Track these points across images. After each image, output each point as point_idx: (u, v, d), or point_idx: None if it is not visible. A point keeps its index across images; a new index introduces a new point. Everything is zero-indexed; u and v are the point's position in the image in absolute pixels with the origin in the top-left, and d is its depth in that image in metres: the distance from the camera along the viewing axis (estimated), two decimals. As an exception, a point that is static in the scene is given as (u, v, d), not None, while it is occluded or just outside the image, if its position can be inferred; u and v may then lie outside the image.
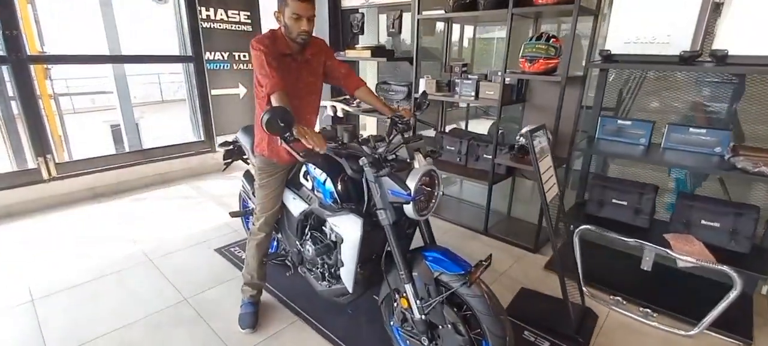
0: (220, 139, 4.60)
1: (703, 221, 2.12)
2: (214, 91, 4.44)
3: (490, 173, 3.02)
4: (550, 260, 2.68)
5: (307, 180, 1.83)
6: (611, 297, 2.26)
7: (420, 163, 1.50)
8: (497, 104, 2.87)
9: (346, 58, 3.71)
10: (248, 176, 2.32)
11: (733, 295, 1.82)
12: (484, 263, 1.40)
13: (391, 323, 1.73)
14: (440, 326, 1.50)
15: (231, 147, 2.49)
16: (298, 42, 1.77)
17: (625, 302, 2.22)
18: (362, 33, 3.83)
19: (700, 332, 1.95)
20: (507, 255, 2.80)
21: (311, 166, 1.78)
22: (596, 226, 2.22)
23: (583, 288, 2.21)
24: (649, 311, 2.13)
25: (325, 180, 1.68)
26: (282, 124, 1.33)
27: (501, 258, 2.73)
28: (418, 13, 3.16)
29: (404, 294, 1.55)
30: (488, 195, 3.08)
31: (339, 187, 1.64)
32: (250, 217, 2.39)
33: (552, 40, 2.62)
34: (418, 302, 1.50)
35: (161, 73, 13.83)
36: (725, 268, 1.82)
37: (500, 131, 3.01)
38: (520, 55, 2.71)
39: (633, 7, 2.12)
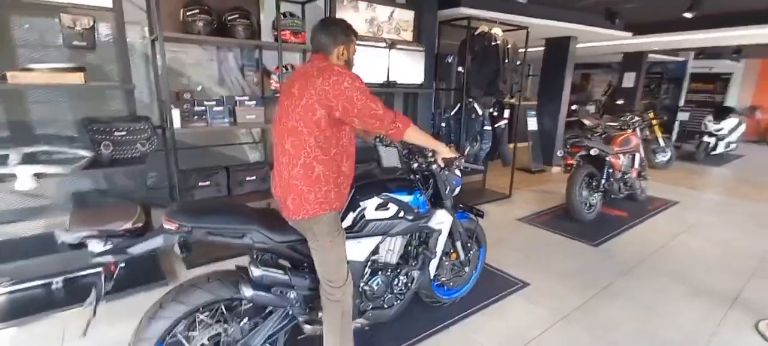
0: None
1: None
2: None
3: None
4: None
5: (387, 208, 1.80)
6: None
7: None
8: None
9: (8, 84, 2.01)
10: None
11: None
12: (470, 205, 2.48)
13: (435, 284, 2.30)
14: (469, 254, 2.41)
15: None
16: None
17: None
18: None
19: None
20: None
21: (396, 192, 1.82)
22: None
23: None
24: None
25: (418, 194, 1.90)
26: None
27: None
28: (158, 32, 2.51)
29: (454, 250, 2.28)
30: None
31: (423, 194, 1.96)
32: None
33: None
34: (463, 248, 2.32)
35: None
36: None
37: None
38: (281, 81, 3.19)
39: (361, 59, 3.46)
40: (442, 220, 2.06)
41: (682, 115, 9.73)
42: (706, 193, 5.50)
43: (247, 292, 1.49)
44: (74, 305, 2.33)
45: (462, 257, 2.33)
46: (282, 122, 1.56)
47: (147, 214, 2.74)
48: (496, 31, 4.20)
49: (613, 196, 4.35)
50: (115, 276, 1.38)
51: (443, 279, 2.33)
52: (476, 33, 4.15)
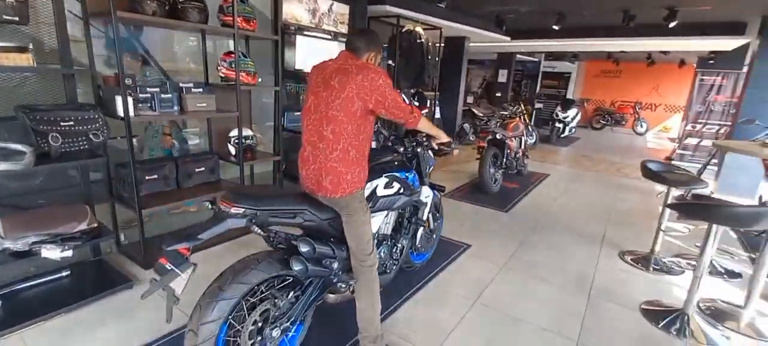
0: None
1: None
2: None
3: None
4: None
5: (392, 186, 2.08)
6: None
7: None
8: (230, 113, 3.11)
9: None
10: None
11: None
12: (439, 185, 2.90)
13: (412, 251, 2.67)
14: (437, 222, 2.85)
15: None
16: None
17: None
18: None
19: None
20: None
21: (398, 172, 2.11)
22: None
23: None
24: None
25: (412, 173, 2.23)
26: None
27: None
28: (113, 11, 2.26)
29: (426, 220, 2.68)
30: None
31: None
32: None
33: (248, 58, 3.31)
34: (433, 218, 2.74)
35: None
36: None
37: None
38: (239, 69, 3.13)
39: (305, 46, 3.56)
40: (427, 194, 2.44)
41: (538, 105, 11.97)
42: (565, 166, 7.07)
43: (299, 266, 1.63)
44: (29, 322, 2.02)
45: (432, 225, 2.75)
46: (320, 111, 1.72)
47: (93, 213, 2.49)
48: (419, 29, 4.71)
49: (509, 172, 5.35)
50: (189, 258, 1.37)
51: (418, 246, 2.72)
52: (403, 30, 4.58)
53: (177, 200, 2.89)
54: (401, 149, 2.36)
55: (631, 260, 3.29)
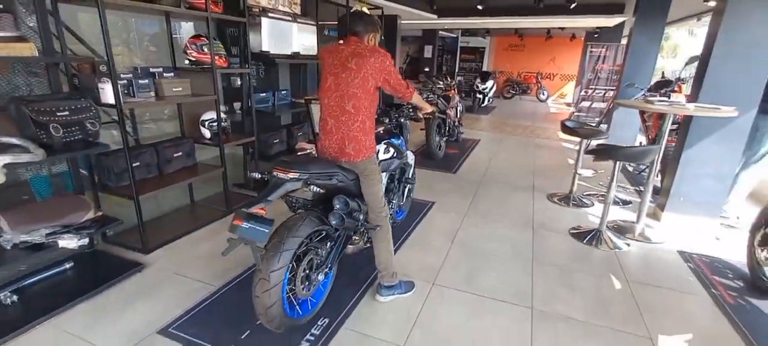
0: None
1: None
2: None
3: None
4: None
5: (389, 151, 2.46)
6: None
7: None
8: (214, 97, 3.17)
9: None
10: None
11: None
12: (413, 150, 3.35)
13: (400, 206, 3.10)
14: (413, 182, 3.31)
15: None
16: None
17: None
18: None
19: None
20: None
21: (391, 139, 2.49)
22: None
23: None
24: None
25: (400, 139, 2.63)
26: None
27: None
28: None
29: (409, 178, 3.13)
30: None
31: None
32: None
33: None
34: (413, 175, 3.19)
35: None
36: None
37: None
38: (212, 52, 3.18)
39: (271, 30, 3.68)
40: (412, 157, 2.88)
41: (459, 78, 13.02)
42: (490, 132, 8.03)
43: (336, 219, 1.96)
44: (45, 316, 2.03)
45: (411, 185, 3.21)
46: (340, 89, 2.01)
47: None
48: (365, 9, 5.01)
49: (450, 139, 6.02)
50: (266, 215, 1.62)
51: (401, 204, 3.16)
52: (353, 10, 4.84)
53: (164, 185, 2.93)
54: (386, 120, 2.74)
55: (556, 200, 4.14)
